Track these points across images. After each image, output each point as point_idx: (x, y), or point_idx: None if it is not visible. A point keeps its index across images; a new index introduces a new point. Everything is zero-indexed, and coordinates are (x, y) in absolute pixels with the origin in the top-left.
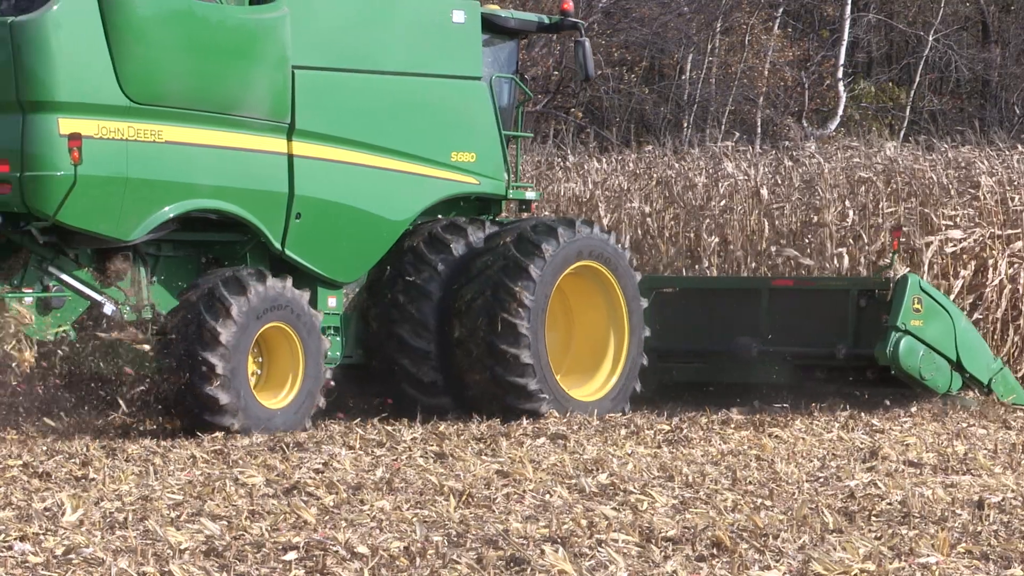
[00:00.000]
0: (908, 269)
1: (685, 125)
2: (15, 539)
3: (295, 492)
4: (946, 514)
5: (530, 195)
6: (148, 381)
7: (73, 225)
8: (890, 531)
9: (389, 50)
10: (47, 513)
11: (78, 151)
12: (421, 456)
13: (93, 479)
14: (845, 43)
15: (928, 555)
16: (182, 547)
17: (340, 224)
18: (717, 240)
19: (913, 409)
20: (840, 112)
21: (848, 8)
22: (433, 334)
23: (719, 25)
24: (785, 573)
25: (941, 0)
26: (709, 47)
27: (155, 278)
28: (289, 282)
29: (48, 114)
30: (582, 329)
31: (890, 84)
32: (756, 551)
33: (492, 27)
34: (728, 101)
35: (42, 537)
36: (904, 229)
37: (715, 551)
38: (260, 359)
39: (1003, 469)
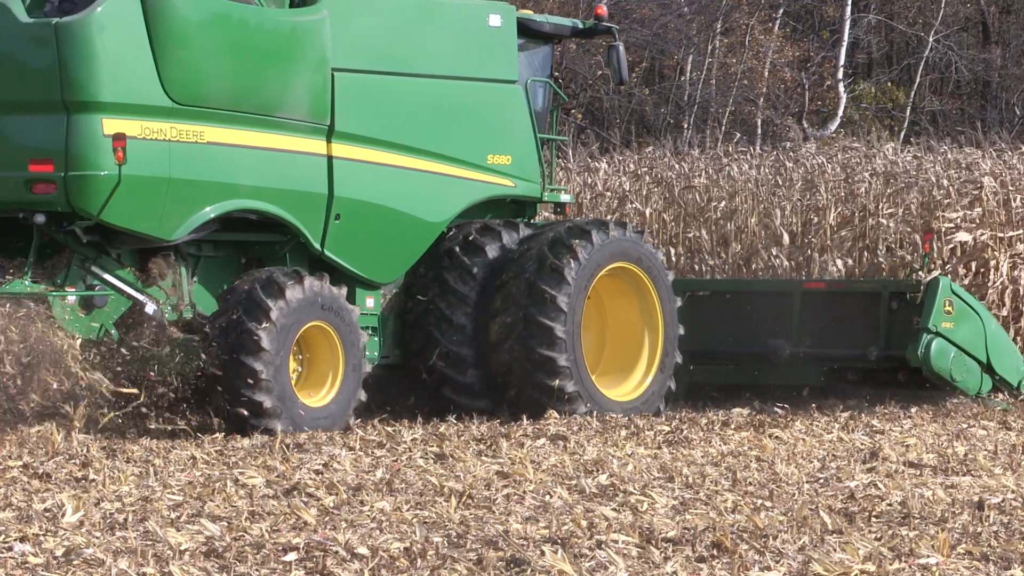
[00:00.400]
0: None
1: (685, 126)
2: (15, 540)
3: (295, 493)
4: (946, 515)
5: (565, 198)
6: (191, 381)
7: (116, 224)
8: (890, 532)
9: (427, 53)
10: (47, 514)
11: (122, 151)
12: (421, 457)
13: (93, 480)
14: (845, 44)
15: (928, 556)
16: (182, 548)
17: (378, 225)
18: (717, 240)
19: (913, 410)
20: (840, 113)
21: (848, 9)
22: (470, 337)
23: (719, 26)
24: (785, 574)
25: (941, 1)
26: (709, 48)
27: (196, 278)
28: (326, 281)
29: (92, 114)
30: (616, 330)
31: (890, 85)
32: (756, 552)
33: (527, 31)
34: (728, 102)
35: (42, 538)
36: (933, 230)
37: (715, 552)
38: (301, 357)
39: (1003, 470)
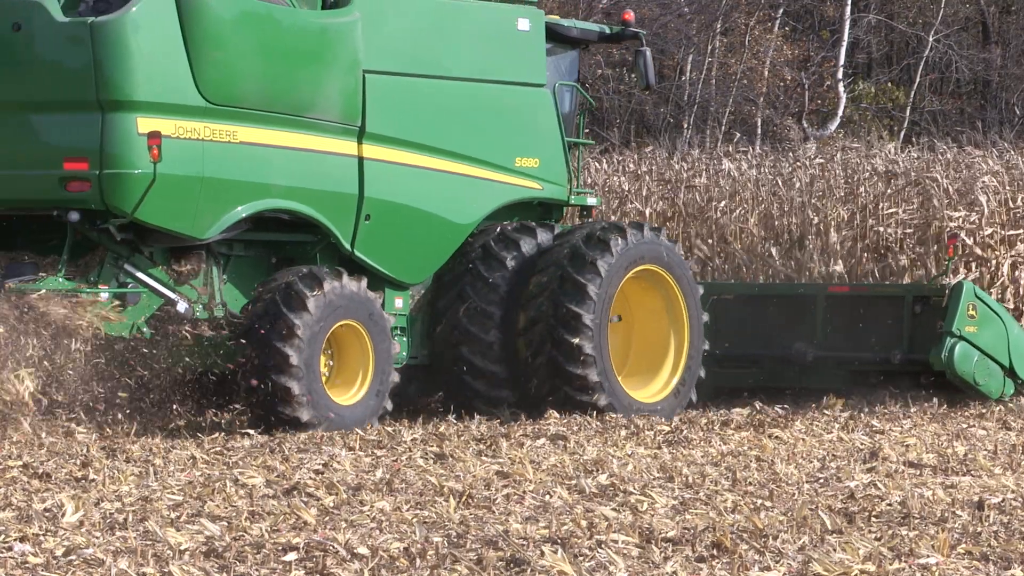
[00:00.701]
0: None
1: (685, 126)
2: (15, 540)
3: (295, 493)
4: (946, 515)
5: (591, 201)
6: (220, 373)
7: (150, 223)
8: (890, 532)
9: (457, 56)
10: (47, 514)
11: (158, 149)
12: (421, 457)
13: (93, 480)
14: (845, 44)
15: (928, 556)
16: (182, 548)
17: (408, 226)
18: (717, 241)
19: (913, 410)
20: (840, 113)
21: (848, 9)
22: (496, 340)
23: (719, 26)
24: (785, 574)
25: (941, 1)
26: (709, 48)
27: (226, 277)
28: (364, 283)
29: (127, 113)
30: (642, 331)
31: (890, 85)
32: (756, 552)
33: (555, 36)
34: (728, 102)
35: (42, 538)
36: (959, 235)
37: (715, 552)
38: (331, 357)
39: (1003, 470)
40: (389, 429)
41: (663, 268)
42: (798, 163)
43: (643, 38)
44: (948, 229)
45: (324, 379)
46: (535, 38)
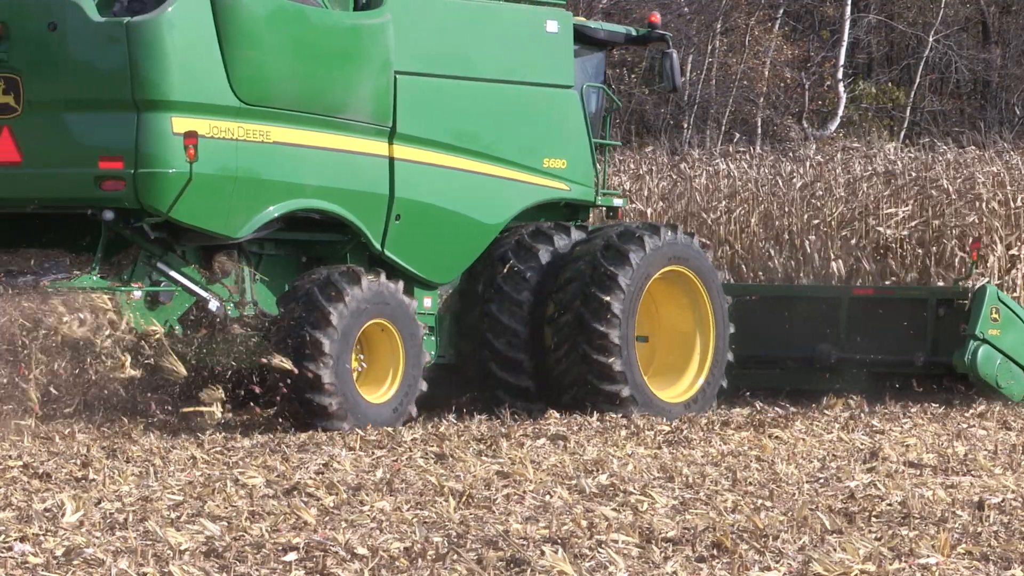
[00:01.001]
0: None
1: (685, 126)
2: (15, 540)
3: (295, 493)
4: (946, 515)
5: (617, 202)
6: (250, 367)
7: (185, 222)
8: (890, 532)
9: (486, 58)
10: (47, 514)
11: (194, 149)
12: (421, 457)
13: (93, 480)
14: (845, 44)
15: (928, 556)
16: (182, 548)
17: (437, 226)
18: (717, 241)
19: (913, 410)
20: (840, 113)
21: (848, 9)
22: (523, 339)
23: (719, 26)
24: (785, 574)
25: (941, 1)
26: (709, 48)
27: (257, 276)
28: (400, 285)
29: (162, 113)
30: (668, 331)
31: (890, 85)
32: (756, 552)
33: (582, 38)
34: (728, 102)
35: (42, 538)
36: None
37: (715, 552)
38: (362, 356)
39: (1003, 470)
40: (389, 429)
41: (693, 271)
42: (798, 163)
43: (669, 40)
44: (972, 235)
45: (355, 375)
46: (563, 40)
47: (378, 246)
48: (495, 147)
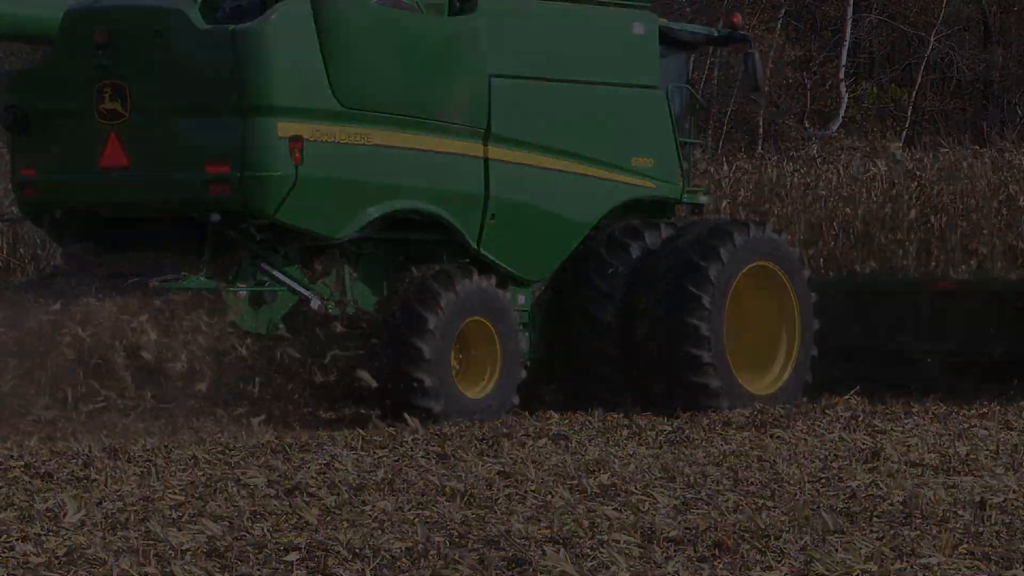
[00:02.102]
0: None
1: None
2: (17, 540)
3: (297, 493)
4: (948, 515)
5: (703, 199)
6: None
7: (290, 223)
8: (892, 532)
9: (576, 60)
10: (49, 514)
11: (299, 152)
12: (423, 456)
13: (95, 480)
14: (847, 44)
15: (930, 556)
16: (184, 548)
17: (530, 224)
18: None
19: (915, 410)
20: (842, 113)
21: (850, 9)
22: (615, 335)
23: (719, 26)
24: (787, 574)
25: (943, 1)
26: (710, 48)
27: (357, 275)
28: (493, 281)
29: (267, 118)
30: (755, 325)
31: (892, 85)
32: (758, 552)
33: (666, 39)
34: (730, 102)
35: (44, 538)
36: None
37: (717, 552)
38: (460, 354)
39: (1005, 470)
40: (391, 429)
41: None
42: (799, 163)
43: (751, 41)
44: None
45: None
46: (650, 41)
47: (474, 245)
48: (585, 147)
